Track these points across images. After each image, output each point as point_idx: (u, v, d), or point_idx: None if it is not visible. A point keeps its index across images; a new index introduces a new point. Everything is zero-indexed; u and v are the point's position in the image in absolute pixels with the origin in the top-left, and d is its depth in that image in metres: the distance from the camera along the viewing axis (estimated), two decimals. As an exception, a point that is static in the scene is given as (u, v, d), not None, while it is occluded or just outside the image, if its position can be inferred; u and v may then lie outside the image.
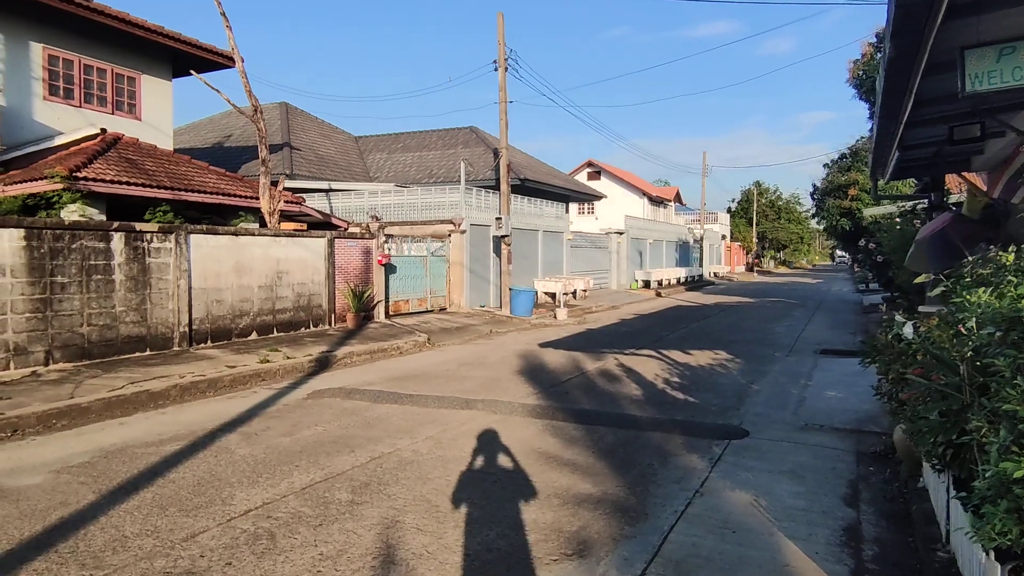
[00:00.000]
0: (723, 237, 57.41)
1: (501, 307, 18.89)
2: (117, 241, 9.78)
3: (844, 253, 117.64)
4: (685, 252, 43.24)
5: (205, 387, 8.68)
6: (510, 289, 18.53)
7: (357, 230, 15.36)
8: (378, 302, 15.22)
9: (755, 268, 63.84)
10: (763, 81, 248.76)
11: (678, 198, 58.62)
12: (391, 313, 16.05)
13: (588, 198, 32.54)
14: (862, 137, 19.52)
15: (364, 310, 14.46)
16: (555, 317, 18.18)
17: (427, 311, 17.56)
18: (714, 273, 49.09)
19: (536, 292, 19.39)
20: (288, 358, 10.40)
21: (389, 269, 16.00)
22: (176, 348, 10.48)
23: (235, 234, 11.64)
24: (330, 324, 13.78)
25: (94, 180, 11.73)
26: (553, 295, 22.28)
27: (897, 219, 16.09)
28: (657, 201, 49.58)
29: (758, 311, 21.55)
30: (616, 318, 19.34)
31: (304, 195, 22.38)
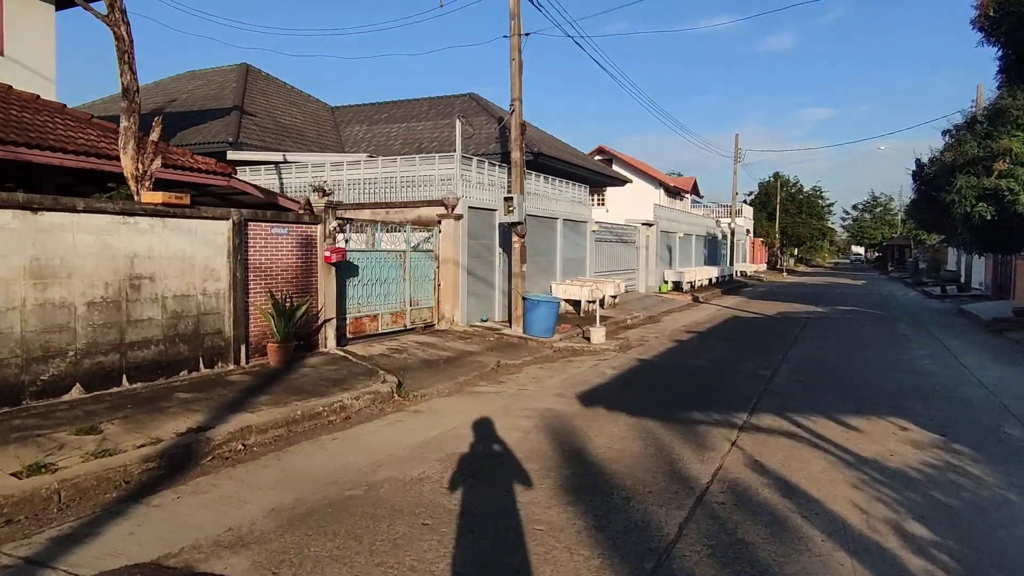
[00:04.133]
0: (747, 232, 52.13)
1: (511, 323, 13.58)
2: None
3: (860, 250, 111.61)
4: (714, 249, 37.94)
5: None
6: (524, 298, 13.20)
7: (304, 213, 9.97)
8: (325, 321, 9.90)
9: (780, 266, 58.45)
10: (761, 79, 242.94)
11: (695, 189, 53.17)
12: (349, 335, 10.75)
13: (611, 182, 27.13)
14: (1001, 89, 14.31)
15: (299, 336, 9.12)
16: (588, 339, 12.85)
17: (405, 329, 12.24)
18: (742, 272, 43.69)
19: (559, 302, 14.07)
20: (98, 454, 5.11)
21: (347, 271, 10.71)
22: None
23: (29, 207, 6.27)
24: (237, 362, 8.45)
25: None
26: (577, 303, 16.97)
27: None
28: (674, 192, 44.10)
29: (849, 327, 16.21)
30: (668, 339, 14.01)
31: (248, 167, 17.10)
